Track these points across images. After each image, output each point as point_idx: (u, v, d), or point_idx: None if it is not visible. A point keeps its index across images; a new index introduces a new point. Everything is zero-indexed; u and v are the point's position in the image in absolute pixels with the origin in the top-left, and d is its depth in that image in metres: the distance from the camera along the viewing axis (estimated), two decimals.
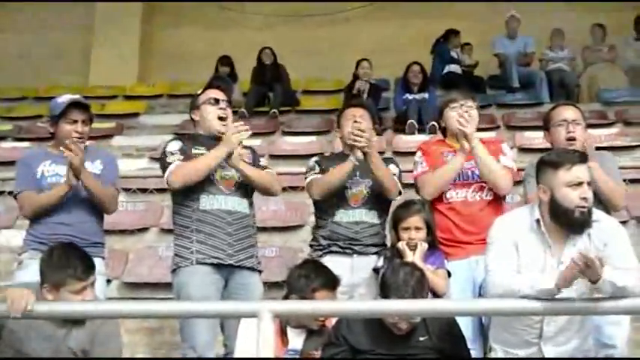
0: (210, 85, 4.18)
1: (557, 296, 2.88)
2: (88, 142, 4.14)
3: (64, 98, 4.09)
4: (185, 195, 3.88)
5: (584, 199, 3.09)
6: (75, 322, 3.26)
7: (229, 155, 3.82)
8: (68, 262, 3.23)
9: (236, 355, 3.52)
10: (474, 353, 3.61)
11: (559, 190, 3.12)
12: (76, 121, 4.01)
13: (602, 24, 10.45)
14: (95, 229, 4.06)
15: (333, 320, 3.53)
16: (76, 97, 4.14)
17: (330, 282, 3.55)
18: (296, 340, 3.52)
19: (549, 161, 3.22)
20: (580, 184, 3.10)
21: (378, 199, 4.10)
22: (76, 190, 3.96)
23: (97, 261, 3.71)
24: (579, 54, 10.44)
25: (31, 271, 3.84)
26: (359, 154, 3.97)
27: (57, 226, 3.93)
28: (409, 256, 3.79)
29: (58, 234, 3.90)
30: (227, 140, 3.82)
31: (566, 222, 3.12)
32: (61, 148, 3.87)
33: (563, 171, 3.12)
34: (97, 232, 4.08)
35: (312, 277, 3.53)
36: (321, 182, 4.06)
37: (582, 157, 3.20)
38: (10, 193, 5.17)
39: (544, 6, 11.08)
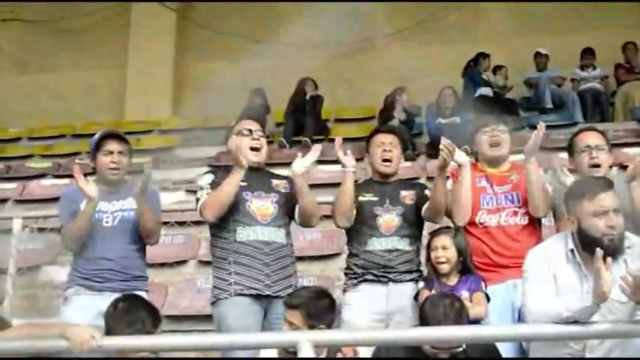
0: (243, 116, 4.23)
1: (597, 319, 2.85)
2: (128, 177, 4.21)
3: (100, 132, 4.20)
4: (221, 227, 3.92)
5: (611, 227, 3.05)
6: None
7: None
8: (135, 316, 3.19)
9: None
10: None
11: (585, 220, 3.09)
12: (111, 152, 4.08)
13: (635, 42, 10.38)
14: (138, 263, 4.11)
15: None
16: (112, 129, 4.23)
17: (289, 299, 3.52)
18: None
19: (573, 192, 3.21)
20: (605, 212, 3.07)
21: (410, 227, 4.10)
22: (120, 224, 4.04)
23: (141, 295, 3.76)
24: (611, 72, 10.37)
25: (76, 306, 3.92)
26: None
27: (100, 261, 3.98)
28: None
29: (102, 269, 3.97)
30: (236, 162, 3.84)
31: None
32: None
33: (587, 201, 3.10)
34: (140, 266, 4.13)
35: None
36: (337, 202, 4.07)
37: (606, 185, 3.15)
38: (52, 229, 5.26)
39: (573, 25, 11.06)
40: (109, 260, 3.98)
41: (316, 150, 3.96)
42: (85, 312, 3.82)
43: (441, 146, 3.86)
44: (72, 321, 3.61)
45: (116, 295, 3.52)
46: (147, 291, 4.12)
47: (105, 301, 3.59)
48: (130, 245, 4.07)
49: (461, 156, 4.03)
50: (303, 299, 3.43)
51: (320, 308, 3.41)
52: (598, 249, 2.86)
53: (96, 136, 4.15)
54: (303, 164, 3.91)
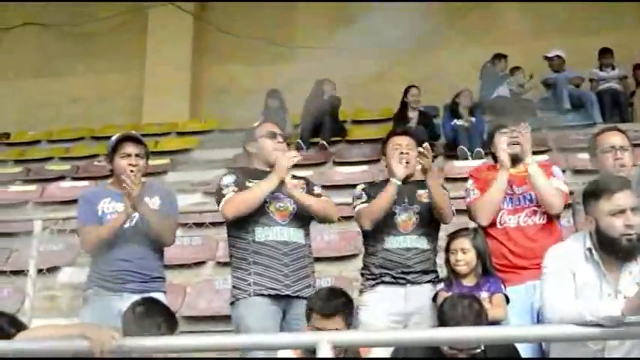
0: (265, 119, 4.24)
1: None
2: (144, 179, 4.21)
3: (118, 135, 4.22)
4: (240, 227, 3.93)
5: (629, 226, 3.01)
6: None
7: (282, 183, 3.88)
8: (152, 320, 3.20)
9: None
10: None
11: (603, 219, 3.06)
12: (129, 155, 4.09)
13: None
14: (155, 264, 4.13)
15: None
16: (129, 132, 4.26)
17: (325, 308, 3.45)
18: None
19: (590, 191, 3.18)
20: (623, 211, 3.03)
21: (427, 225, 4.10)
22: (136, 225, 4.05)
23: (159, 296, 3.78)
24: (629, 72, 10.30)
25: (95, 307, 3.95)
26: (399, 173, 3.98)
27: (118, 263, 4.00)
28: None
29: (120, 270, 3.98)
30: (278, 168, 3.88)
31: (615, 251, 3.05)
32: (123, 177, 3.95)
33: (604, 200, 3.06)
34: (158, 267, 4.15)
35: (314, 301, 3.51)
36: (370, 211, 4.06)
37: (623, 184, 3.12)
38: (71, 231, 5.30)
39: (590, 25, 10.99)
40: (127, 262, 4.00)
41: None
42: (104, 313, 3.82)
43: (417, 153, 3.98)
44: (91, 322, 3.63)
45: (135, 297, 3.55)
46: (165, 292, 4.13)
47: (124, 302, 3.62)
48: (148, 246, 4.09)
49: (504, 156, 4.01)
50: (338, 304, 3.43)
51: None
52: None
53: (113, 138, 4.18)
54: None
